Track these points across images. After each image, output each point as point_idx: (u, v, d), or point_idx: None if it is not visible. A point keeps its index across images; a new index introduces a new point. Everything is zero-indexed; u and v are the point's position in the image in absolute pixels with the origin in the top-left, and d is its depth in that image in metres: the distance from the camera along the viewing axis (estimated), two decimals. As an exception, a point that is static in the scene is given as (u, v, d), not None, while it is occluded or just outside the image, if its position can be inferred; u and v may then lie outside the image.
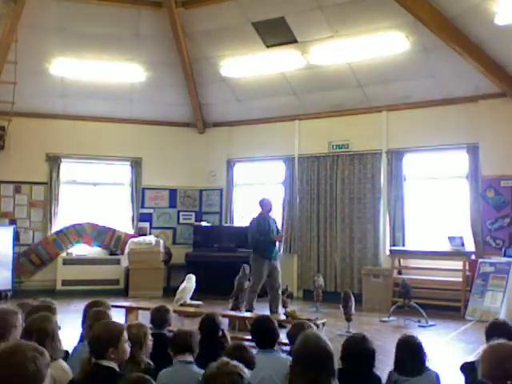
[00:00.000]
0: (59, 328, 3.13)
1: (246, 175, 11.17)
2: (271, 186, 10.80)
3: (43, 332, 2.98)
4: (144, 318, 4.47)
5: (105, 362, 2.82)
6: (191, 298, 7.85)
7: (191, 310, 6.97)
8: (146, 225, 10.92)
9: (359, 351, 3.05)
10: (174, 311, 5.91)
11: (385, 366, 5.27)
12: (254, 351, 3.51)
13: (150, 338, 3.38)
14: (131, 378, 2.37)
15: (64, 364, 3.00)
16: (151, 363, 3.28)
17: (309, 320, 4.98)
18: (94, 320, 3.39)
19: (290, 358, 3.35)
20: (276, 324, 3.63)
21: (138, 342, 3.22)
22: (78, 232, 10.47)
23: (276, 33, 8.95)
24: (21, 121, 10.00)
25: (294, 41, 8.92)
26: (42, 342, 2.83)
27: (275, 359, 3.32)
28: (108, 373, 2.76)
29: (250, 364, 2.76)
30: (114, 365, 2.85)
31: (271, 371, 3.19)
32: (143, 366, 3.20)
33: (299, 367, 2.52)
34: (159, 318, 4.02)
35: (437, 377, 3.22)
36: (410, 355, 3.20)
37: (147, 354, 3.30)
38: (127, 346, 2.94)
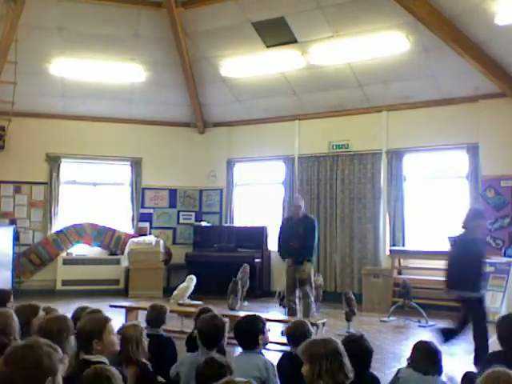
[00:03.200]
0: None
1: (245, 175, 11.17)
2: (271, 186, 10.82)
3: (56, 333, 2.97)
4: (144, 318, 4.46)
5: (93, 358, 2.78)
6: (191, 299, 7.86)
7: (191, 310, 6.96)
8: (146, 225, 10.92)
9: (356, 351, 2.99)
10: (174, 311, 5.92)
11: (385, 366, 5.29)
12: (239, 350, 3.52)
13: (147, 338, 3.38)
14: (90, 371, 2.36)
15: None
16: (148, 363, 3.28)
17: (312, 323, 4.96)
18: None
19: (268, 360, 3.37)
20: (261, 325, 3.55)
21: (134, 341, 3.22)
22: (78, 232, 10.47)
23: (276, 33, 8.95)
24: (21, 121, 10.00)
25: (294, 41, 8.91)
26: (59, 343, 2.86)
27: (253, 360, 3.32)
28: None
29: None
30: (103, 359, 2.81)
31: (247, 372, 3.17)
32: (140, 365, 3.20)
33: (315, 370, 2.50)
34: (155, 316, 3.98)
35: None
36: (426, 359, 3.19)
37: (144, 354, 3.29)
38: (114, 338, 2.91)
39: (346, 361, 2.54)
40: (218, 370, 2.58)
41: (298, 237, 6.89)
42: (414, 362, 3.23)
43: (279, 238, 7.26)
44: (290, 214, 7.27)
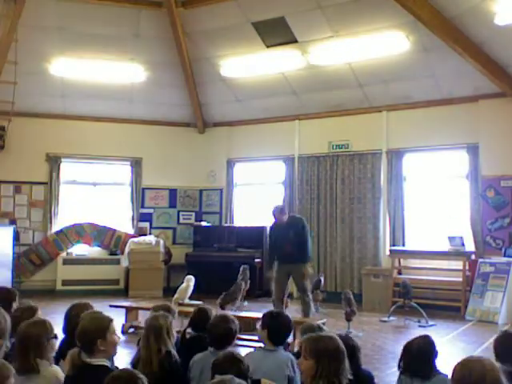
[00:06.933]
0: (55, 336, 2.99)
1: (246, 175, 11.17)
2: (271, 185, 10.82)
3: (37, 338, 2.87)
4: (144, 318, 4.45)
5: (95, 361, 2.76)
6: (191, 299, 7.85)
7: (190, 310, 6.95)
8: (146, 225, 10.92)
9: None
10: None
11: (385, 365, 5.29)
12: (260, 345, 3.47)
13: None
14: (119, 374, 2.32)
15: (57, 368, 2.94)
16: (174, 351, 3.27)
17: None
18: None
19: (291, 356, 3.34)
20: (291, 322, 3.51)
21: (164, 329, 3.24)
22: (78, 232, 10.47)
23: (276, 33, 8.95)
24: (21, 121, 10.00)
25: (294, 41, 8.92)
26: (38, 348, 2.81)
27: (281, 358, 3.29)
28: (101, 371, 2.66)
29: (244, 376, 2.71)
30: (107, 362, 2.79)
31: (270, 370, 3.16)
32: (173, 358, 3.19)
33: (319, 368, 2.41)
34: None
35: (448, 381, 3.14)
36: (420, 359, 3.09)
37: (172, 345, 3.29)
38: (116, 338, 2.89)
39: (347, 363, 2.48)
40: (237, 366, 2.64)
41: (289, 240, 6.77)
42: (411, 368, 3.07)
43: (270, 245, 7.16)
44: (275, 221, 6.99)
